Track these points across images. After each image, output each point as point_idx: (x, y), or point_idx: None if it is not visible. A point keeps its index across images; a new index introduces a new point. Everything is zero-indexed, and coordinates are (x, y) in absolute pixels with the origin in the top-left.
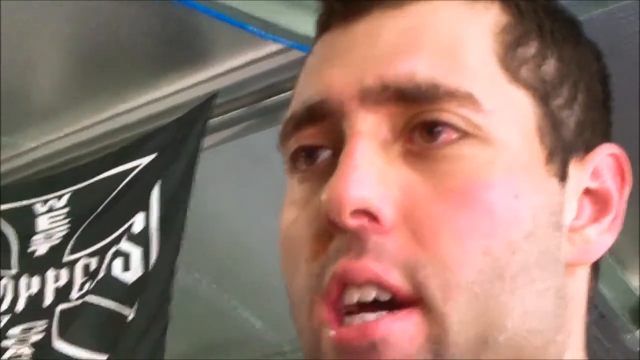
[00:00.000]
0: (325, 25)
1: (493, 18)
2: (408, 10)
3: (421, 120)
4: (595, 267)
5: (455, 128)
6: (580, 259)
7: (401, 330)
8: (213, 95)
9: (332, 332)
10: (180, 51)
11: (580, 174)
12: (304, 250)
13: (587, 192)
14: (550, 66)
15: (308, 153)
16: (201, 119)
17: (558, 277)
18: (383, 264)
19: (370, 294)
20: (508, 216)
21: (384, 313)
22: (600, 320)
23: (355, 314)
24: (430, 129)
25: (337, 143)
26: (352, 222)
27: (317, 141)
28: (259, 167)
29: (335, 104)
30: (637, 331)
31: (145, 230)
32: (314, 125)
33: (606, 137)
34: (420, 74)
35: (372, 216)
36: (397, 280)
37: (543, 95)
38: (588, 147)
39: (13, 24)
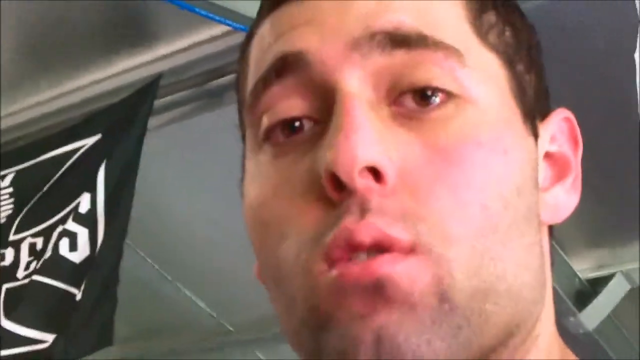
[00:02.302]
0: (274, 3)
1: None
2: None
3: (411, 83)
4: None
5: (444, 91)
6: (552, 217)
7: (407, 267)
8: (158, 77)
9: (334, 272)
10: (126, 32)
11: (541, 138)
12: (293, 222)
13: (547, 155)
14: (508, 34)
15: (287, 125)
16: (147, 100)
17: (538, 234)
18: (384, 219)
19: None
20: (499, 171)
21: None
22: None
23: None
24: (421, 94)
25: (318, 106)
26: (360, 182)
27: (296, 112)
28: (202, 149)
29: (314, 56)
30: (579, 314)
31: (92, 211)
32: (286, 79)
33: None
34: (407, 24)
35: (376, 176)
36: (398, 232)
37: (508, 59)
38: (544, 113)
39: None
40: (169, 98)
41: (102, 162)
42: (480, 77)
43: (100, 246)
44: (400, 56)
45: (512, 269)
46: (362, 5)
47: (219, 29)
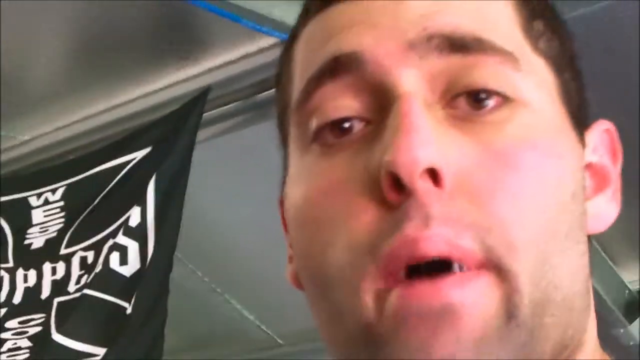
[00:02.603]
0: (323, 3)
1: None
2: None
3: (465, 86)
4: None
5: (499, 94)
6: (594, 227)
7: (477, 290)
8: (207, 89)
9: (398, 292)
10: (174, 44)
11: (587, 147)
12: (344, 224)
13: (588, 166)
14: (556, 42)
15: (337, 126)
16: (195, 113)
17: (586, 242)
18: (454, 229)
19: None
20: (555, 176)
21: (455, 272)
22: None
23: (421, 277)
24: (475, 97)
25: (371, 106)
26: (421, 184)
27: (347, 112)
28: (251, 162)
29: (370, 56)
30: (629, 326)
31: (142, 224)
32: (339, 79)
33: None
34: (464, 27)
35: (434, 179)
36: (469, 244)
37: (557, 66)
38: (587, 123)
39: (9, 16)
40: (217, 110)
41: (152, 175)
42: (533, 81)
43: (150, 259)
44: (457, 59)
45: (568, 277)
46: (418, 6)
47: (267, 41)
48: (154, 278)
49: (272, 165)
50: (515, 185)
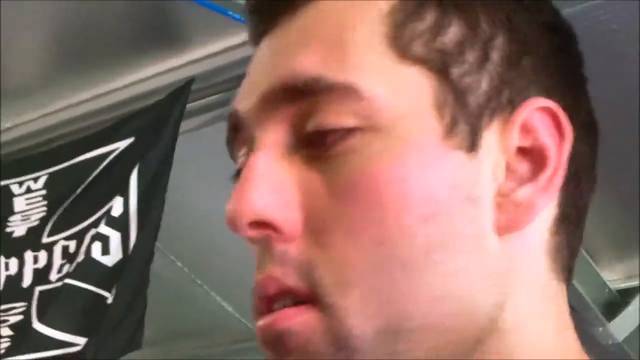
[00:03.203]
0: (253, 43)
1: (382, 0)
2: (301, 12)
3: (313, 127)
4: (561, 226)
5: (341, 129)
6: (512, 225)
7: (302, 322)
8: (190, 80)
9: (258, 323)
10: (159, 35)
11: (506, 134)
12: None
13: (521, 150)
14: (450, 34)
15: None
16: (179, 104)
17: (480, 252)
18: (283, 269)
19: (286, 303)
20: (398, 202)
21: (293, 308)
22: (571, 313)
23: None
24: (321, 135)
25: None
26: (251, 233)
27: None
28: None
29: (241, 115)
30: (608, 325)
31: (124, 214)
32: (237, 134)
33: (551, 89)
34: (307, 69)
35: (273, 226)
36: (294, 281)
37: (440, 67)
38: (514, 104)
39: None
40: (201, 102)
41: (135, 165)
42: (387, 102)
43: (132, 250)
44: (304, 103)
45: (426, 303)
46: (271, 56)
47: None
48: (135, 268)
49: None
50: (350, 221)
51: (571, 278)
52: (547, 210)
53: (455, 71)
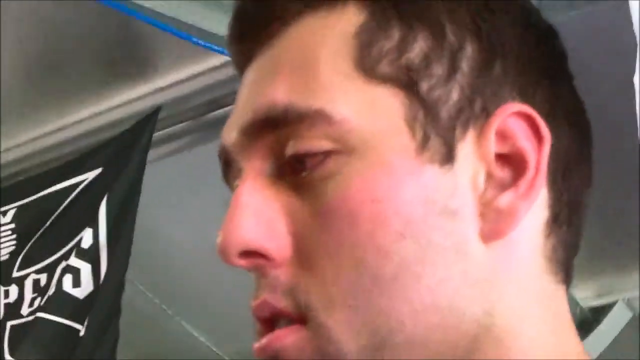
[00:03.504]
0: (239, 74)
1: (347, 22)
2: (275, 41)
3: (290, 155)
4: (554, 227)
5: (316, 154)
6: (496, 232)
7: (292, 342)
8: (157, 109)
9: (254, 345)
10: (125, 63)
11: (483, 142)
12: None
13: (500, 157)
14: (416, 49)
15: None
16: (146, 133)
17: (462, 262)
18: (274, 294)
19: (282, 325)
20: (370, 222)
21: (284, 328)
22: None
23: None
24: (299, 162)
25: None
26: (242, 263)
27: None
28: (202, 181)
29: (227, 151)
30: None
31: (94, 246)
32: (230, 167)
33: (527, 89)
34: (278, 99)
35: (262, 254)
36: (284, 305)
37: (407, 83)
38: (489, 111)
39: None
40: (167, 130)
41: (104, 196)
42: (358, 123)
43: (103, 281)
44: (280, 132)
45: (408, 317)
46: (249, 89)
47: (217, 60)
48: (106, 299)
49: (220, 186)
50: (330, 244)
51: (571, 277)
52: (535, 213)
53: (424, 86)
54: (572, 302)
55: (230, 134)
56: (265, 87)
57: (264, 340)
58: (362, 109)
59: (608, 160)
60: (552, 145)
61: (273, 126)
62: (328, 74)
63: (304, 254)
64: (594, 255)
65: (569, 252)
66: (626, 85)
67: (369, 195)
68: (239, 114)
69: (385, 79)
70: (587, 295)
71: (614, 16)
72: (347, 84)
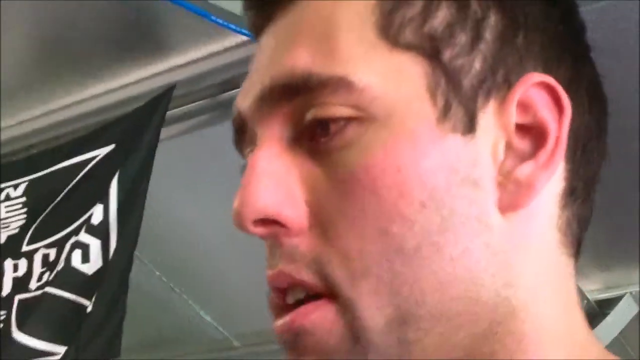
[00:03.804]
0: (254, 39)
1: None
2: (293, 7)
3: (310, 120)
4: (569, 200)
5: (337, 119)
6: (515, 203)
7: (320, 318)
8: (171, 87)
9: (276, 323)
10: (140, 41)
11: (504, 112)
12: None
13: (520, 128)
14: (439, 18)
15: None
16: (159, 111)
17: (483, 233)
18: (295, 265)
19: (298, 294)
20: (394, 192)
21: (310, 304)
22: None
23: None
24: (320, 126)
25: None
26: (258, 230)
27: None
28: (214, 161)
29: (242, 115)
30: None
31: (104, 222)
32: (243, 134)
33: (549, 63)
34: (299, 66)
35: (278, 222)
36: (308, 277)
37: (432, 51)
38: (510, 82)
39: None
40: (182, 109)
41: (115, 172)
42: (380, 91)
43: (112, 258)
44: (299, 100)
45: (432, 288)
46: (266, 54)
47: (234, 39)
48: (114, 276)
49: (234, 164)
50: (352, 212)
51: (579, 252)
52: (553, 185)
53: (447, 54)
54: (580, 295)
55: (245, 100)
56: (284, 53)
57: (286, 318)
58: (385, 77)
59: (620, 152)
60: (573, 119)
61: (293, 93)
62: (351, 42)
63: (324, 224)
64: (602, 248)
65: (582, 227)
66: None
67: (393, 163)
68: (256, 80)
69: (408, 47)
70: (595, 287)
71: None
72: (370, 51)
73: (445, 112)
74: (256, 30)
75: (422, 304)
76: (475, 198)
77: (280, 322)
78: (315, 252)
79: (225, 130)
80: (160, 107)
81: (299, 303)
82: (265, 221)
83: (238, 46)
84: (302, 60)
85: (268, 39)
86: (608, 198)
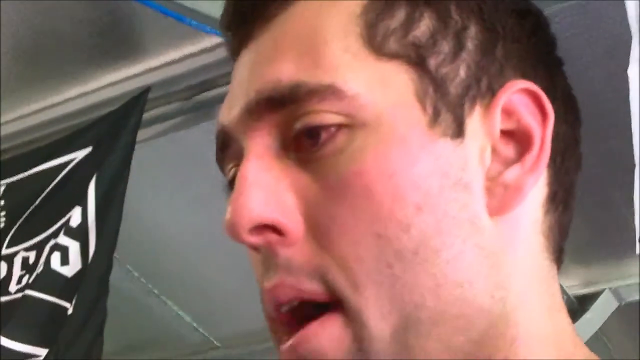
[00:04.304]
0: (232, 58)
1: (352, 1)
2: (274, 22)
3: (299, 129)
4: (551, 205)
5: (327, 126)
6: (503, 207)
7: (328, 337)
8: (146, 89)
9: (282, 347)
10: (115, 43)
11: (489, 118)
12: (256, 269)
13: (505, 134)
14: (422, 27)
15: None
16: (135, 113)
17: (475, 236)
18: (295, 276)
19: (294, 303)
20: (388, 197)
21: (314, 323)
22: None
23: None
24: (308, 134)
25: None
26: (254, 239)
27: (232, 176)
28: (190, 163)
29: (227, 129)
30: None
31: (83, 224)
32: (227, 149)
33: (527, 73)
34: (284, 77)
35: (275, 230)
36: (312, 287)
37: (416, 59)
38: (494, 89)
39: None
40: (157, 110)
41: (93, 175)
42: (369, 98)
43: (91, 260)
44: (287, 110)
45: (431, 291)
46: (249, 66)
47: (208, 41)
48: (94, 278)
49: (210, 166)
50: (347, 218)
51: (562, 259)
52: (537, 189)
53: (432, 62)
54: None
55: (230, 114)
56: (268, 66)
57: (293, 342)
58: (373, 85)
59: (598, 151)
60: (553, 127)
61: (279, 104)
62: (336, 52)
63: (318, 232)
64: (581, 244)
65: (562, 233)
66: (618, 76)
67: (385, 169)
68: (239, 94)
69: (393, 56)
70: (575, 283)
71: (608, 7)
72: (356, 61)
73: (435, 118)
74: (234, 49)
75: (422, 308)
76: (467, 201)
77: (286, 345)
78: (314, 261)
79: (200, 132)
80: (136, 109)
81: (295, 312)
82: (261, 230)
83: (213, 48)
84: (288, 71)
85: (249, 54)
86: (588, 195)
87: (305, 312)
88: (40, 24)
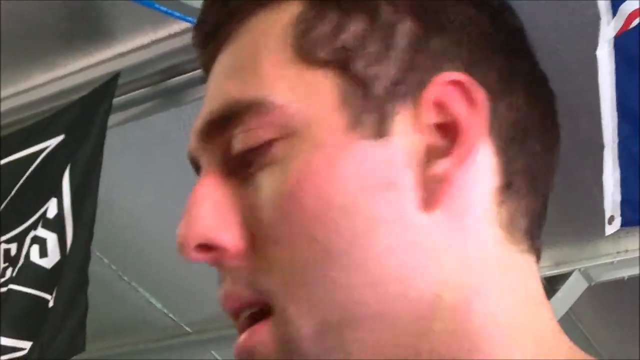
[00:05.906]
0: (205, 71)
1: (289, 14)
2: (229, 40)
3: (236, 147)
4: (509, 195)
5: (260, 142)
6: (437, 200)
7: (260, 342)
8: (116, 75)
9: (234, 345)
10: (84, 29)
11: (420, 114)
12: None
13: (440, 127)
14: (350, 32)
15: None
16: (106, 99)
17: (407, 232)
18: (239, 285)
19: (247, 312)
20: (313, 199)
21: (249, 329)
22: None
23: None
24: (246, 152)
25: None
26: (199, 256)
27: None
28: (160, 148)
29: (192, 155)
30: None
31: (59, 215)
32: (199, 171)
33: (474, 64)
34: (227, 97)
35: (218, 246)
36: (248, 294)
37: (343, 63)
38: (425, 84)
39: None
40: (127, 96)
41: (67, 165)
42: (297, 108)
43: (69, 250)
44: (230, 129)
45: (360, 291)
46: (212, 86)
47: (177, 26)
48: (73, 269)
49: (180, 151)
50: (281, 227)
51: (538, 246)
52: (484, 180)
53: (359, 64)
54: None
55: (191, 137)
56: (220, 87)
57: (240, 340)
58: (301, 93)
59: (567, 131)
60: (504, 115)
61: (225, 124)
62: (266, 65)
63: (258, 243)
64: (551, 225)
65: (533, 220)
66: (587, 56)
67: (308, 174)
68: (201, 115)
69: (322, 64)
70: (544, 264)
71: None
72: (285, 71)
73: (356, 120)
74: (206, 69)
75: (359, 306)
76: (393, 199)
77: (235, 344)
78: (251, 270)
79: (170, 117)
80: (107, 95)
81: (257, 317)
82: (205, 247)
83: (182, 33)
84: (232, 91)
85: (212, 75)
86: (556, 176)
87: (260, 318)
88: (8, 10)
